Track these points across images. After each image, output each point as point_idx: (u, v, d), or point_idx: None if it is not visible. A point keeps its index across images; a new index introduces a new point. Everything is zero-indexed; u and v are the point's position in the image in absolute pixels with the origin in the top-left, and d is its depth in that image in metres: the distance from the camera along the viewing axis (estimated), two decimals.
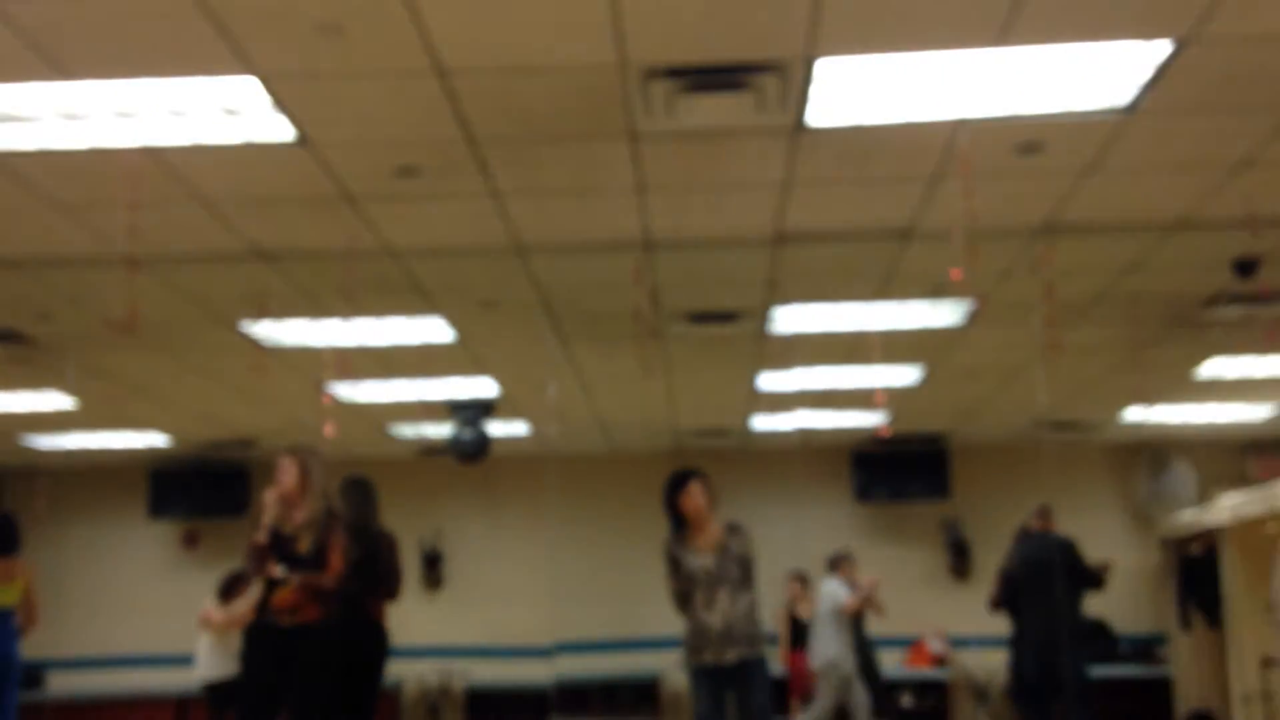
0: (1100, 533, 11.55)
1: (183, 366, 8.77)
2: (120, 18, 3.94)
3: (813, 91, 4.58)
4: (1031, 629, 8.58)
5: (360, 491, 7.03)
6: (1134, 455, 12.89)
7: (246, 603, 7.68)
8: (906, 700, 12.30)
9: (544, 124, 4.86)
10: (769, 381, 9.68)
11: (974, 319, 7.83)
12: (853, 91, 4.60)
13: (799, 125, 4.90)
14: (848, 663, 9.64)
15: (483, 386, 9.66)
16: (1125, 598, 12.07)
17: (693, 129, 4.90)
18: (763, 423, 11.56)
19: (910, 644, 12.66)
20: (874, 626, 10.61)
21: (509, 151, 5.13)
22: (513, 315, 7.65)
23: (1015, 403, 10.61)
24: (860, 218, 6.05)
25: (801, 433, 12.08)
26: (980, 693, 12.35)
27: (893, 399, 10.19)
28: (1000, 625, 9.12)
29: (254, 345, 8.06)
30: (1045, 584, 8.47)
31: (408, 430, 11.52)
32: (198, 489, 12.80)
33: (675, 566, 6.24)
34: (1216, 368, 9.34)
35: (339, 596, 5.97)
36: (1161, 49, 4.31)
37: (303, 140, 4.93)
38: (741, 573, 6.17)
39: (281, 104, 4.60)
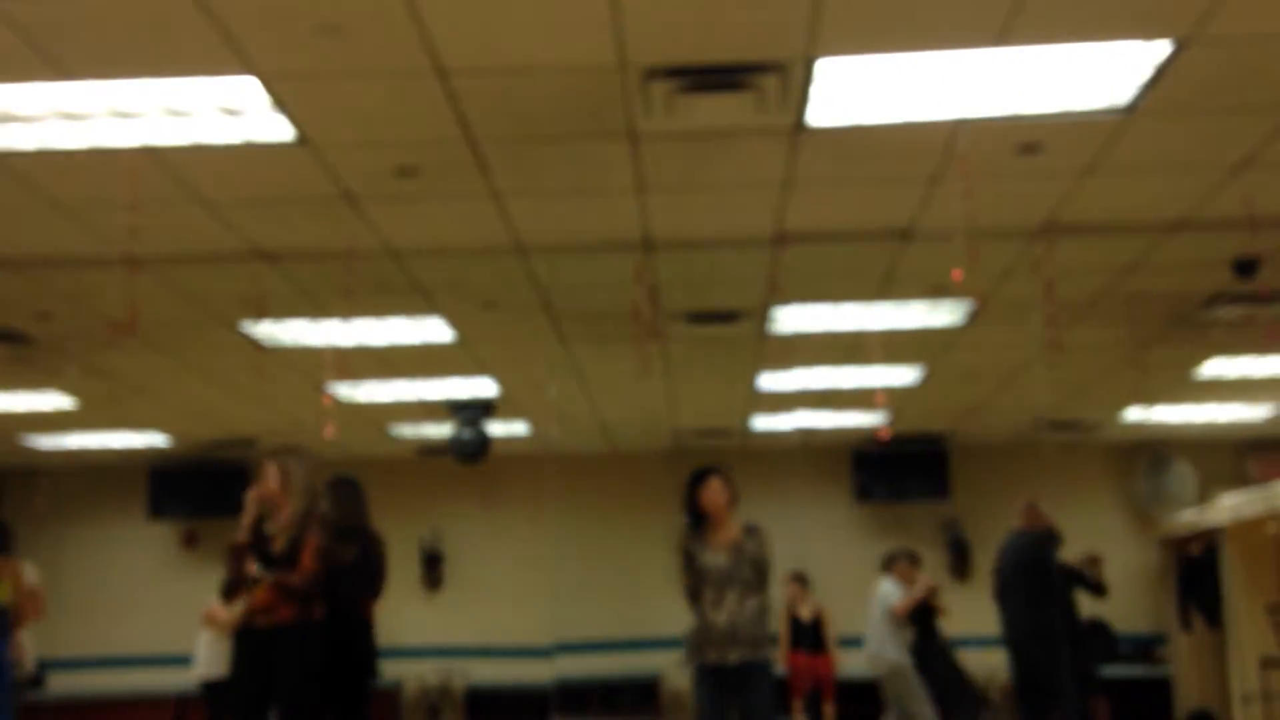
0: (1100, 533, 11.55)
1: (182, 366, 8.76)
2: (120, 18, 3.94)
3: (813, 91, 4.58)
4: (1012, 626, 8.63)
5: (348, 490, 6.87)
6: (1134, 455, 12.90)
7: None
8: None
9: (544, 124, 4.86)
10: (769, 381, 9.67)
11: (974, 319, 7.83)
12: (853, 91, 4.60)
13: (799, 125, 4.90)
14: (904, 663, 9.41)
15: (483, 386, 9.65)
16: (1125, 598, 12.05)
17: (693, 129, 4.90)
18: (763, 423, 11.56)
19: None
20: None
21: (509, 151, 5.13)
22: (513, 315, 7.65)
23: (1015, 403, 10.61)
24: (860, 218, 6.05)
25: (801, 433, 12.09)
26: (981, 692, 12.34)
27: (893, 399, 10.19)
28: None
29: (254, 345, 8.06)
30: (1024, 581, 8.50)
31: (408, 430, 11.52)
32: (197, 489, 12.78)
33: (689, 560, 6.14)
34: (1216, 368, 9.34)
35: (310, 596, 5.92)
36: (1161, 49, 4.31)
37: (303, 140, 4.93)
38: (755, 575, 6.07)
39: (281, 104, 4.60)
